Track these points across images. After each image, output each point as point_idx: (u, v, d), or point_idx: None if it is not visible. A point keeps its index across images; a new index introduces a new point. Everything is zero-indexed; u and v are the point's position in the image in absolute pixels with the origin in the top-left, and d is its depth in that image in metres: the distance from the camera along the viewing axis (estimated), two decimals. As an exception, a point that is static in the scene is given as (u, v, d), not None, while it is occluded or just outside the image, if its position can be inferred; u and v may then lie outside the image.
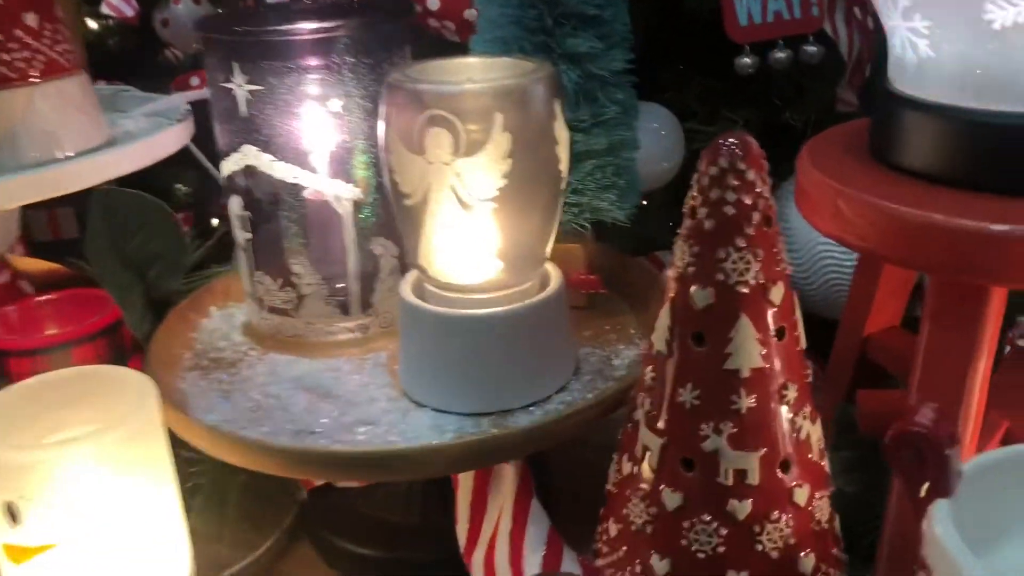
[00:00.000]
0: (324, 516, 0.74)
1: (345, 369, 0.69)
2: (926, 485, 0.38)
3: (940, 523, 0.37)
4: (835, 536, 0.56)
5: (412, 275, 0.66)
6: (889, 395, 0.69)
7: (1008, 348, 0.72)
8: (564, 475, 0.77)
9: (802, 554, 0.53)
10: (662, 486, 0.53)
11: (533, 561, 0.61)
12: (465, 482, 0.66)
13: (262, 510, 0.75)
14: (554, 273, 0.65)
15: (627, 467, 0.55)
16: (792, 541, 0.52)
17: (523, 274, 0.62)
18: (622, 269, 0.78)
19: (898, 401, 0.66)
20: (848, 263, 0.87)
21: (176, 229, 0.74)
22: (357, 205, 0.69)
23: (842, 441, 0.75)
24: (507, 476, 0.65)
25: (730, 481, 0.51)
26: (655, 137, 0.82)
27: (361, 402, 0.64)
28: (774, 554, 0.52)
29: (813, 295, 0.85)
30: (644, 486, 0.54)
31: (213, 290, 0.79)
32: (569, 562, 0.62)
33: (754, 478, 0.51)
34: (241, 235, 0.72)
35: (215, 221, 1.14)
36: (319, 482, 0.76)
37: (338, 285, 0.72)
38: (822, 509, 0.54)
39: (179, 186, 1.15)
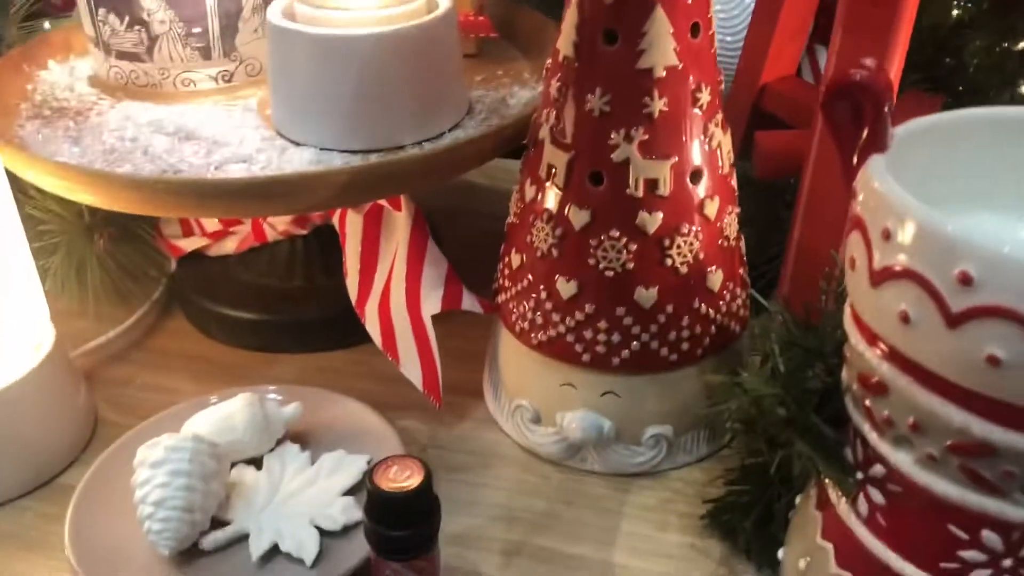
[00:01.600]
0: (198, 285, 0.68)
1: (210, 113, 0.62)
2: (860, 143, 0.36)
3: (877, 175, 0.35)
4: (741, 256, 0.54)
5: (282, -1, 0.59)
6: (788, 134, 0.68)
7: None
8: (454, 245, 0.73)
9: (710, 270, 0.51)
10: (569, 204, 0.50)
11: (431, 301, 0.58)
12: (353, 231, 0.62)
13: (128, 284, 0.68)
14: (442, -2, 0.59)
15: (530, 192, 0.52)
16: (701, 256, 0.50)
17: (409, -9, 0.56)
18: (513, 16, 0.73)
19: (798, 140, 0.65)
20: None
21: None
22: (213, -76, 0.61)
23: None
24: (399, 221, 0.60)
25: (640, 192, 0.48)
26: None
27: (231, 142, 0.58)
28: (683, 269, 0.50)
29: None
30: (550, 207, 0.51)
31: (50, 41, 0.70)
32: (469, 301, 0.59)
33: (665, 188, 0.49)
34: (76, -37, 0.62)
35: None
36: (188, 248, 0.69)
37: (196, 27, 0.63)
38: (730, 225, 0.52)
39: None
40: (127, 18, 0.63)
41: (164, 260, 0.70)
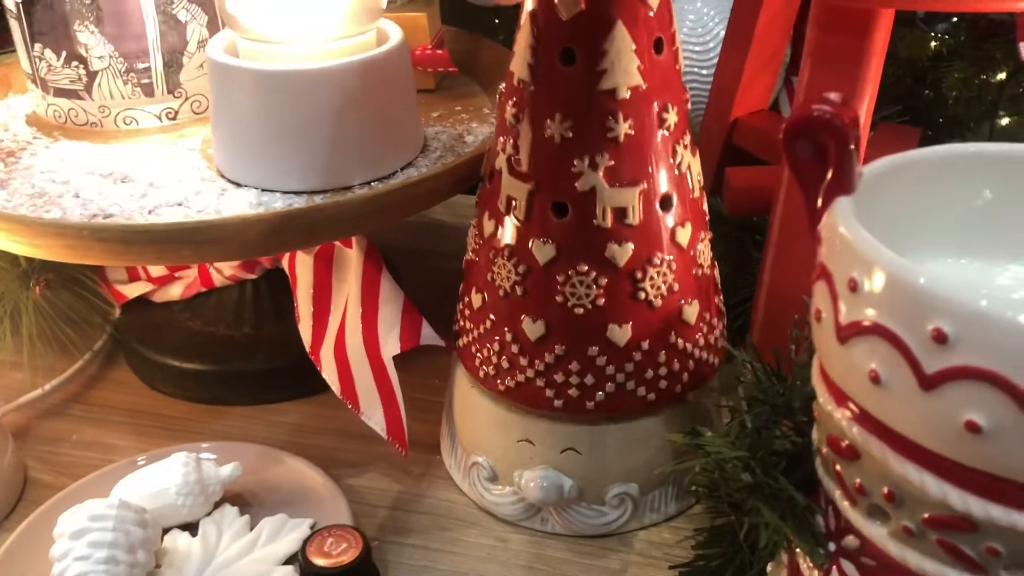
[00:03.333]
0: (142, 333, 0.65)
1: (149, 154, 0.58)
2: (825, 184, 0.33)
3: (842, 220, 0.32)
4: (716, 285, 0.51)
5: (223, 33, 0.56)
6: (759, 170, 0.65)
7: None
8: (414, 288, 0.70)
9: (685, 302, 0.48)
10: (532, 239, 0.46)
11: (391, 341, 0.54)
12: (304, 276, 0.58)
13: (68, 332, 0.64)
14: (393, 30, 0.56)
15: (488, 227, 0.49)
16: (675, 287, 0.47)
17: (355, 24, 0.53)
18: (473, 49, 0.70)
19: (769, 176, 0.62)
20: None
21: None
22: (153, -44, 0.58)
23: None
24: (351, 261, 0.57)
25: (608, 222, 0.45)
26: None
27: (168, 184, 0.54)
28: (656, 302, 0.47)
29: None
30: (510, 243, 0.47)
31: (-13, 79, 0.67)
32: (429, 334, 0.55)
33: (634, 217, 0.45)
34: (10, -2, 0.59)
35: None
36: (131, 295, 0.66)
37: (139, 63, 0.60)
38: (704, 253, 0.49)
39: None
40: (64, 53, 0.60)
41: (108, 307, 0.67)
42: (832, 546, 0.36)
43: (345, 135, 0.52)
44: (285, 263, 0.60)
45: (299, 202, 0.52)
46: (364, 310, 0.54)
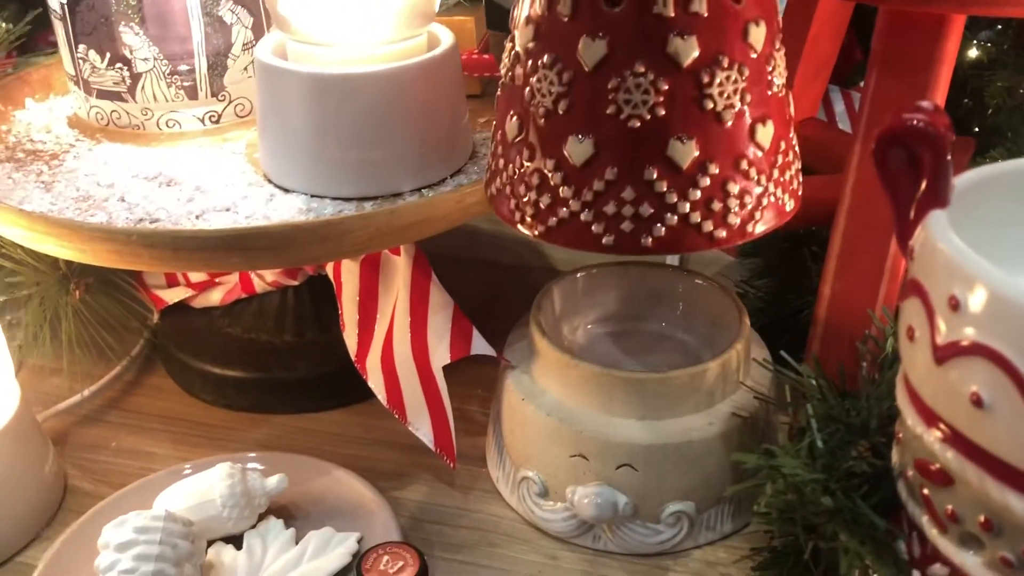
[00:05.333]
0: (181, 339, 0.64)
1: (194, 157, 0.57)
2: (919, 196, 0.31)
3: (940, 234, 0.30)
4: (791, 116, 0.44)
5: (272, 35, 0.55)
6: (815, 180, 0.63)
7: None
8: (459, 296, 0.69)
9: (759, 121, 0.41)
10: (579, 37, 0.39)
11: (441, 351, 0.53)
12: (349, 282, 0.57)
13: (107, 337, 0.63)
14: (444, 34, 0.55)
15: (526, 34, 0.42)
16: (748, 99, 0.40)
17: (407, 28, 0.52)
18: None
19: (824, 186, 0.60)
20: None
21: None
22: (200, -43, 0.57)
23: (749, 246, 0.69)
24: (399, 268, 0.56)
25: (671, 10, 0.38)
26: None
27: (215, 189, 0.53)
28: (727, 115, 0.40)
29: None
30: (554, 45, 0.40)
31: (29, 80, 0.66)
32: (481, 345, 0.54)
33: (701, 4, 0.39)
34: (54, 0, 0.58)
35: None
36: (171, 300, 0.65)
37: (182, 65, 0.59)
38: (779, 67, 0.42)
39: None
40: (108, 55, 0.59)
41: (146, 312, 0.66)
42: (916, 574, 0.34)
43: (396, 141, 0.51)
44: (330, 270, 0.59)
45: (349, 209, 0.51)
46: (413, 319, 0.53)
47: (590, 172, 0.41)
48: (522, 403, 0.50)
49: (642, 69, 0.39)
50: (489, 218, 0.83)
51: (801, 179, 0.46)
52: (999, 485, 0.29)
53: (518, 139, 0.43)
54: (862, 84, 0.51)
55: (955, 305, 0.29)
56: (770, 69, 0.41)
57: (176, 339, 0.64)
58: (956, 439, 0.31)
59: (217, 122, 0.61)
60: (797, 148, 0.45)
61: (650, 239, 0.41)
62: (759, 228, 0.43)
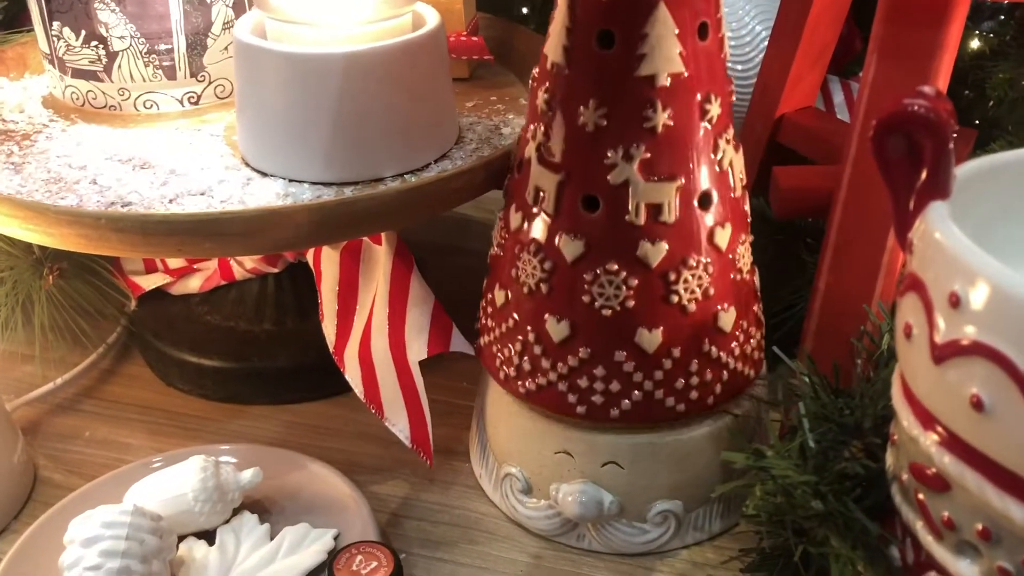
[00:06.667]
0: (158, 327, 0.62)
1: (170, 139, 0.56)
2: (918, 186, 0.30)
3: (940, 226, 0.29)
4: (755, 292, 0.48)
5: (251, 13, 0.53)
6: (811, 169, 0.62)
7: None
8: (440, 285, 0.67)
9: (721, 307, 0.45)
10: (559, 233, 0.43)
11: (418, 345, 0.51)
12: (329, 271, 0.55)
13: (82, 324, 0.62)
14: (430, 13, 0.53)
15: (515, 220, 0.46)
16: (711, 292, 0.44)
17: (390, 7, 0.50)
18: (509, 37, 0.67)
19: (820, 176, 0.59)
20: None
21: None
22: (178, -68, 0.55)
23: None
24: (379, 255, 0.54)
25: (641, 219, 0.42)
26: None
27: (190, 172, 0.51)
28: (690, 307, 0.44)
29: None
30: (537, 237, 0.44)
31: (3, 58, 0.64)
32: (459, 341, 0.52)
33: (670, 215, 0.42)
34: (28, -27, 0.56)
35: None
36: (148, 287, 0.63)
37: (161, 44, 0.57)
38: (743, 257, 0.46)
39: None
40: (83, 33, 0.57)
41: (123, 299, 0.64)
42: (910, 582, 0.33)
43: (377, 124, 0.49)
44: (310, 257, 0.57)
45: (328, 194, 0.49)
46: (392, 311, 0.51)
47: (566, 349, 0.45)
48: (505, 396, 0.49)
49: (615, 267, 0.42)
50: (479, 206, 0.82)
51: (763, 345, 0.49)
52: (999, 492, 0.28)
53: (504, 307, 0.46)
54: (861, 74, 0.50)
55: (955, 302, 0.27)
56: (733, 260, 0.45)
57: (153, 327, 0.62)
58: (954, 443, 0.29)
59: (196, 103, 0.59)
60: (761, 316, 0.49)
61: (618, 411, 0.45)
62: (718, 399, 0.46)
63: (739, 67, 0.80)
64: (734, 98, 0.45)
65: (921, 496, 0.31)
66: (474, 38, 0.62)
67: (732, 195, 0.44)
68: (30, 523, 0.48)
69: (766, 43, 0.77)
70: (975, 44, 0.80)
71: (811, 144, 0.65)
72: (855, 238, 0.49)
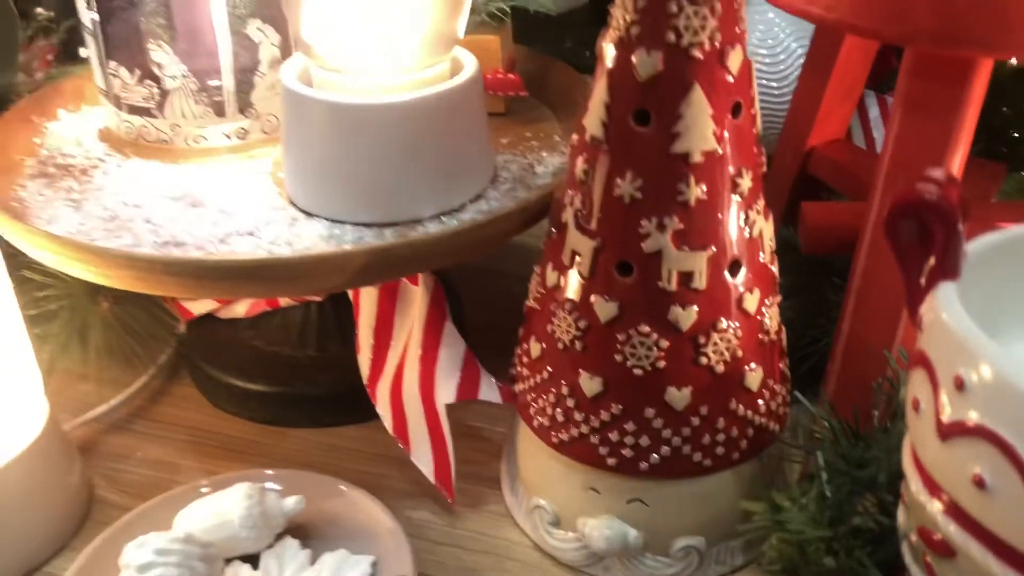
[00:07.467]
0: (206, 350, 0.65)
1: (219, 176, 0.58)
2: (929, 266, 0.31)
3: (948, 307, 0.30)
4: (782, 349, 0.50)
5: (297, 59, 0.55)
6: (839, 207, 0.63)
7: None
8: (477, 307, 0.69)
9: (748, 368, 0.46)
10: (594, 295, 0.45)
11: (446, 389, 0.53)
12: (367, 306, 0.58)
13: (133, 345, 0.65)
14: (468, 60, 0.55)
15: (552, 278, 0.48)
16: (739, 354, 0.46)
17: (430, 55, 0.52)
18: (545, 72, 0.69)
19: (848, 213, 0.60)
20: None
21: (7, 8, 0.60)
22: (228, -23, 0.57)
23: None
24: (415, 298, 0.56)
25: (673, 286, 0.44)
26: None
27: (239, 211, 0.54)
28: (719, 368, 0.45)
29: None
30: (572, 297, 0.46)
31: (62, 90, 0.67)
32: (487, 388, 0.55)
33: (700, 282, 0.44)
34: (87, 16, 0.59)
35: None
36: (197, 312, 0.66)
37: (210, 81, 0.60)
38: (771, 318, 0.48)
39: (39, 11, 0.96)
40: (138, 72, 0.60)
41: (172, 321, 0.67)
42: (917, 637, 0.35)
43: (417, 169, 0.52)
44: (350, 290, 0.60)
45: (369, 235, 0.51)
46: (424, 353, 0.54)
47: (598, 404, 0.47)
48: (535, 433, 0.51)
49: (647, 330, 0.44)
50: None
51: (788, 400, 0.51)
52: (1002, 565, 0.29)
53: (539, 360, 0.48)
54: (885, 131, 0.51)
55: (960, 384, 0.29)
56: (761, 323, 0.46)
57: (201, 350, 0.65)
58: (959, 513, 0.31)
59: (244, 138, 0.62)
60: (787, 371, 0.50)
61: (647, 464, 0.47)
62: (744, 454, 0.48)
63: (774, 84, 0.81)
64: (760, 127, 0.46)
65: (929, 559, 0.33)
66: (510, 75, 0.64)
67: (760, 260, 0.46)
68: (87, 541, 0.51)
69: (801, 60, 0.78)
70: (1013, 59, 0.80)
71: (840, 178, 0.67)
72: (877, 284, 0.51)
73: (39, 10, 0.81)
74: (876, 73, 0.76)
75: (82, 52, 0.63)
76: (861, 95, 0.70)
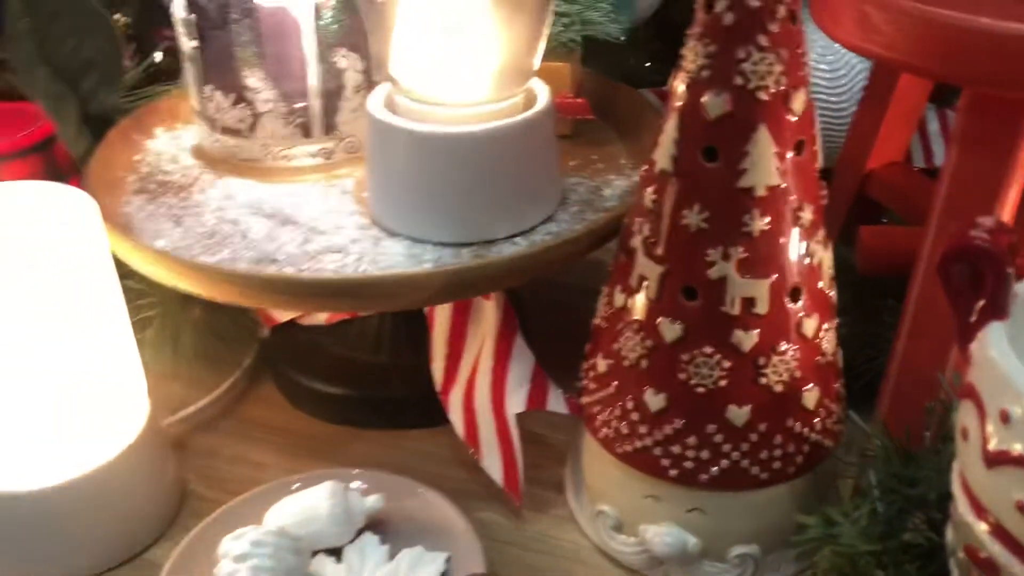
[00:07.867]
0: (287, 354, 0.69)
1: (308, 195, 0.62)
2: (979, 306, 0.34)
3: (996, 345, 0.33)
4: (838, 370, 0.52)
5: (383, 88, 0.59)
6: (896, 232, 0.65)
7: None
8: (541, 319, 0.72)
9: (806, 388, 0.49)
10: (660, 317, 0.48)
11: (516, 399, 0.57)
12: (441, 318, 0.62)
13: (220, 348, 0.69)
14: (541, 90, 0.58)
15: (620, 299, 0.51)
16: (797, 374, 0.49)
17: (507, 88, 0.56)
18: (611, 95, 0.72)
19: (905, 238, 0.62)
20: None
21: (111, 32, 0.65)
22: (317, 9, 0.61)
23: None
24: (487, 312, 0.60)
25: (736, 310, 0.47)
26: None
27: (327, 229, 0.58)
28: (778, 388, 0.48)
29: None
30: (639, 318, 0.50)
31: (159, 109, 0.72)
32: (555, 400, 0.58)
33: (762, 307, 0.47)
34: (187, 43, 0.63)
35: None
36: (281, 319, 0.70)
37: (298, 104, 0.64)
38: (828, 341, 0.50)
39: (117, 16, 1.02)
40: (233, 96, 0.64)
41: (257, 326, 0.71)
42: (963, 648, 0.37)
43: (492, 194, 0.55)
44: (425, 301, 0.64)
45: (447, 254, 0.55)
46: (496, 364, 0.58)
47: (662, 419, 0.50)
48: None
49: (710, 351, 0.47)
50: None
51: (843, 418, 0.53)
52: (1042, 584, 0.32)
53: (606, 375, 0.51)
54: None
55: (1006, 418, 0.32)
56: (819, 346, 0.49)
57: (284, 355, 0.69)
58: (1003, 535, 0.33)
59: (329, 158, 0.66)
60: (842, 390, 0.53)
61: (706, 476, 0.50)
62: (800, 469, 0.51)
63: (834, 99, 0.83)
64: (819, 144, 0.49)
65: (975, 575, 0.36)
66: (578, 100, 0.67)
67: (819, 287, 0.49)
68: (182, 531, 0.56)
69: (861, 75, 0.80)
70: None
71: (897, 201, 0.69)
72: (932, 308, 0.53)
73: (117, 15, 0.87)
74: (937, 87, 0.78)
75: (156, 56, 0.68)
76: (918, 121, 0.72)
